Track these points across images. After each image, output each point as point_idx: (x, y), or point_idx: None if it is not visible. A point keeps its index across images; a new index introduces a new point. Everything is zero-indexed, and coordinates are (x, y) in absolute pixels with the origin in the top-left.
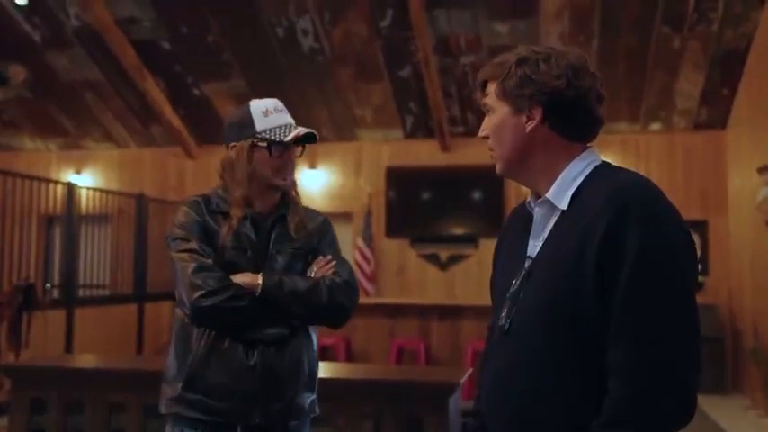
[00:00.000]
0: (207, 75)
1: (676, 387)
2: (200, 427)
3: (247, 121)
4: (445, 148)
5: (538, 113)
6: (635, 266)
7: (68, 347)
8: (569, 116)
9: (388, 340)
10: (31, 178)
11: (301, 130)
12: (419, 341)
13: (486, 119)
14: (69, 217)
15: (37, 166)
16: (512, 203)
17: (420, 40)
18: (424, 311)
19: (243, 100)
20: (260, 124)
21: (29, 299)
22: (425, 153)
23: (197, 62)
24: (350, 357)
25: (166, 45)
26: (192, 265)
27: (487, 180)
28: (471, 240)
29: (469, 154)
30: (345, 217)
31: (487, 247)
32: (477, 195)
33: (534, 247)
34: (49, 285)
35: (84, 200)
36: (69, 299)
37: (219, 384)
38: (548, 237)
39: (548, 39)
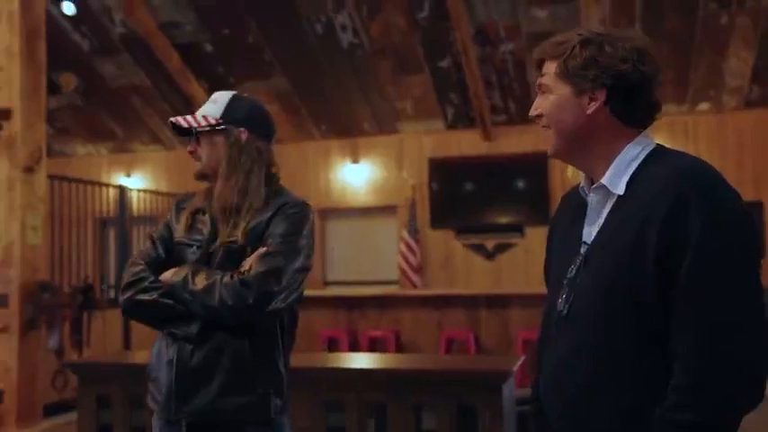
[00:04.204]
0: (248, 74)
1: (743, 372)
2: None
3: None
4: (487, 137)
5: (601, 96)
6: (697, 253)
7: (126, 345)
8: (631, 100)
9: (437, 332)
10: (85, 182)
11: (174, 119)
12: (468, 332)
13: (541, 98)
14: (122, 219)
15: (89, 170)
16: (557, 191)
17: (458, 30)
18: (471, 302)
19: (284, 98)
20: None
21: (88, 299)
22: (467, 143)
23: (238, 62)
24: (399, 350)
25: (208, 47)
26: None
27: (531, 168)
28: (517, 229)
29: (512, 142)
30: (390, 210)
31: (534, 235)
32: (521, 184)
33: (590, 233)
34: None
35: (135, 202)
36: None
37: (155, 377)
38: (604, 223)
39: (588, 23)
